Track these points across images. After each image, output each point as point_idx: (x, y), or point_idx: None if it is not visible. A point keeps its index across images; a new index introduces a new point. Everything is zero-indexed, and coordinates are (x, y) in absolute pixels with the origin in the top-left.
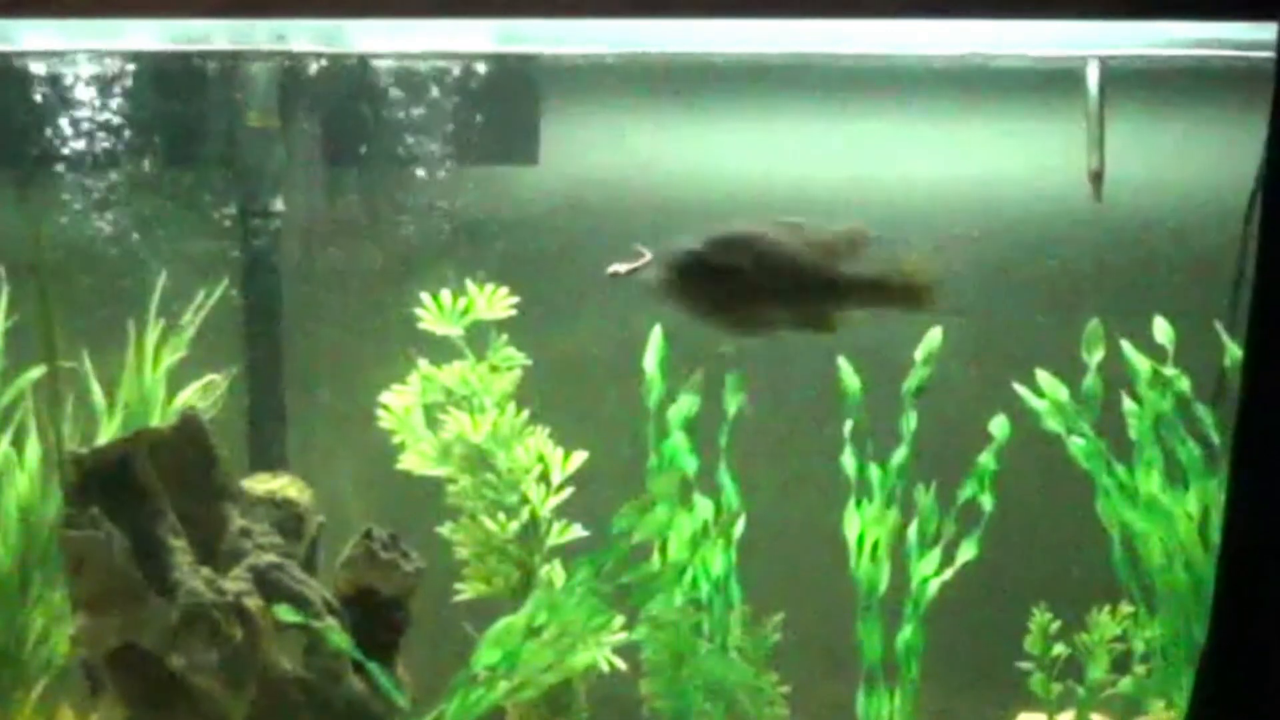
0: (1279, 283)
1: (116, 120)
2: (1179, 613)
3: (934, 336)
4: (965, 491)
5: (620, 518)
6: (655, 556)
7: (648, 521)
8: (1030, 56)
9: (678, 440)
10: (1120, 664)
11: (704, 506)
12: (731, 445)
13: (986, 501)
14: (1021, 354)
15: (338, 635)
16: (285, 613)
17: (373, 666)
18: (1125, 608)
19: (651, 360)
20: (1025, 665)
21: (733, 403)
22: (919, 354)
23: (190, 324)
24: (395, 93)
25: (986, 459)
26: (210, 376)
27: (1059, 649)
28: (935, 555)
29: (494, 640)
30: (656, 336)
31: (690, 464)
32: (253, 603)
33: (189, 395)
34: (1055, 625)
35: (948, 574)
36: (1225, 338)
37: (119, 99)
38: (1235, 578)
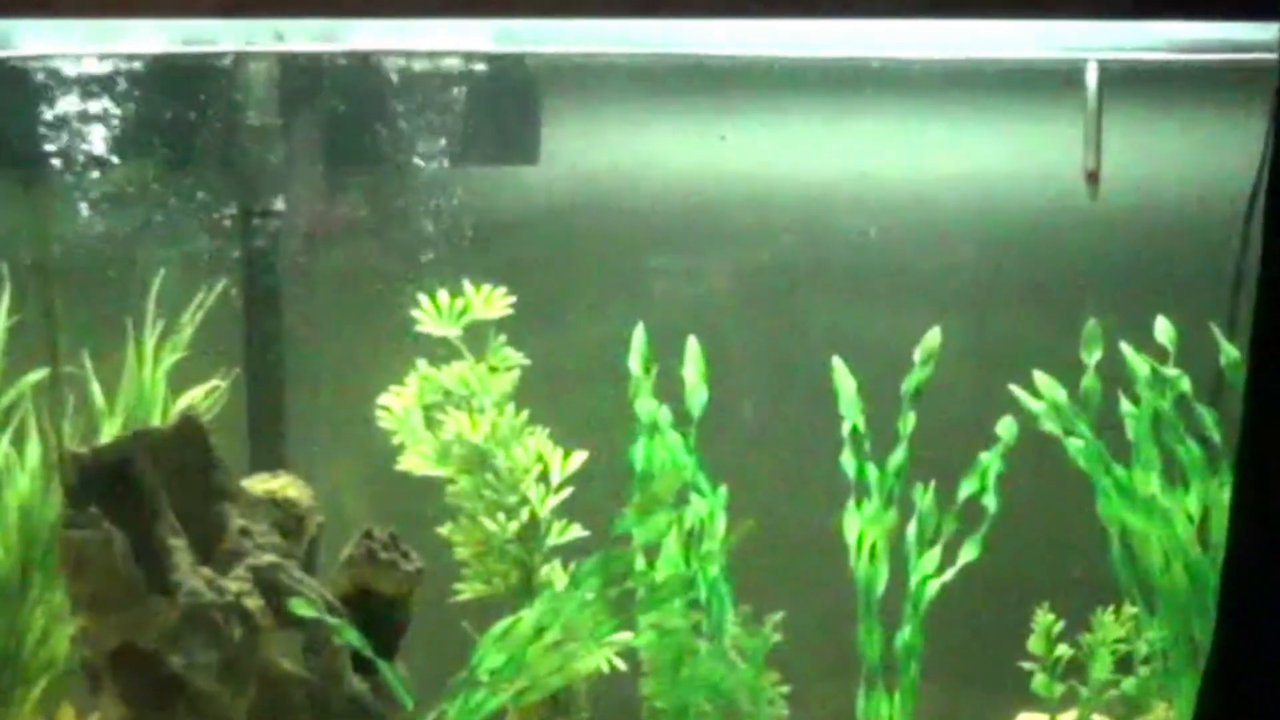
0: None
1: (116, 121)
2: (1178, 613)
3: (933, 336)
4: (964, 490)
5: (621, 521)
6: (645, 560)
7: (649, 524)
8: (1030, 57)
9: (673, 440)
10: (1119, 664)
11: (699, 507)
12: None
13: (991, 502)
14: (1019, 354)
15: (349, 632)
16: (299, 606)
17: (383, 666)
18: (1127, 608)
19: (636, 361)
20: (1027, 665)
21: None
22: (918, 354)
23: (190, 324)
24: (395, 92)
25: (989, 458)
26: (214, 382)
27: (1060, 649)
28: (935, 555)
29: (497, 643)
30: (639, 336)
31: (687, 463)
32: (253, 603)
33: (191, 398)
34: (1058, 626)
35: (949, 574)
36: (1222, 338)
37: (119, 99)
38: (1240, 582)
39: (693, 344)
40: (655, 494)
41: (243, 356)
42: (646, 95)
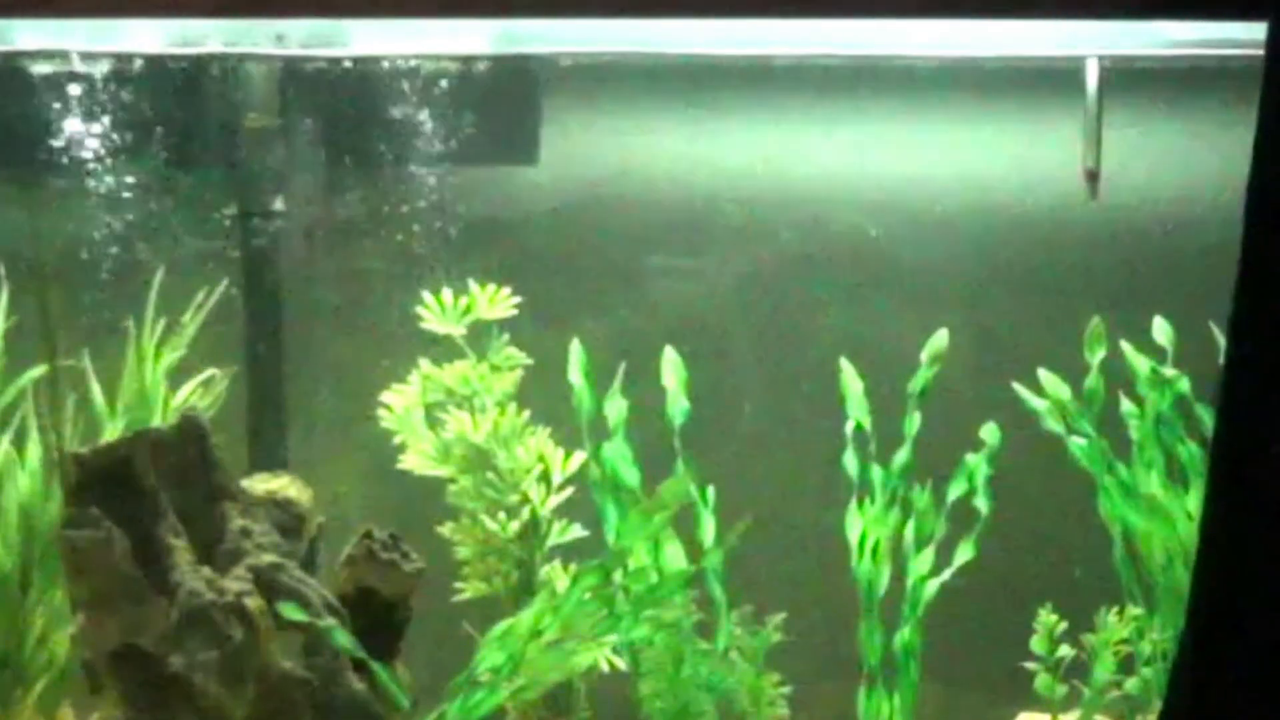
0: (1266, 281)
1: (116, 121)
2: (1179, 612)
3: (940, 337)
4: (952, 490)
5: (626, 526)
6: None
7: (652, 529)
8: (1030, 56)
9: (617, 448)
10: (1118, 664)
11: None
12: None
13: (982, 504)
14: (1019, 353)
15: (342, 635)
16: (289, 610)
17: (377, 666)
18: (1130, 609)
19: (576, 373)
20: (1029, 665)
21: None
22: (924, 355)
23: (190, 323)
24: (395, 93)
25: (976, 460)
26: (210, 371)
27: (1062, 649)
28: (931, 555)
29: (497, 642)
30: (576, 350)
31: (632, 474)
32: (253, 603)
33: (189, 393)
34: (1061, 626)
35: (946, 574)
36: (1221, 338)
37: (118, 99)
38: (1212, 579)
39: (670, 354)
40: (659, 501)
41: (243, 356)
42: (646, 95)
